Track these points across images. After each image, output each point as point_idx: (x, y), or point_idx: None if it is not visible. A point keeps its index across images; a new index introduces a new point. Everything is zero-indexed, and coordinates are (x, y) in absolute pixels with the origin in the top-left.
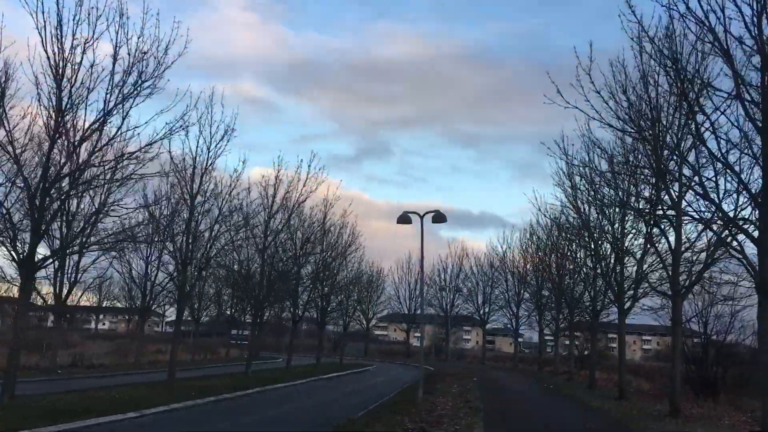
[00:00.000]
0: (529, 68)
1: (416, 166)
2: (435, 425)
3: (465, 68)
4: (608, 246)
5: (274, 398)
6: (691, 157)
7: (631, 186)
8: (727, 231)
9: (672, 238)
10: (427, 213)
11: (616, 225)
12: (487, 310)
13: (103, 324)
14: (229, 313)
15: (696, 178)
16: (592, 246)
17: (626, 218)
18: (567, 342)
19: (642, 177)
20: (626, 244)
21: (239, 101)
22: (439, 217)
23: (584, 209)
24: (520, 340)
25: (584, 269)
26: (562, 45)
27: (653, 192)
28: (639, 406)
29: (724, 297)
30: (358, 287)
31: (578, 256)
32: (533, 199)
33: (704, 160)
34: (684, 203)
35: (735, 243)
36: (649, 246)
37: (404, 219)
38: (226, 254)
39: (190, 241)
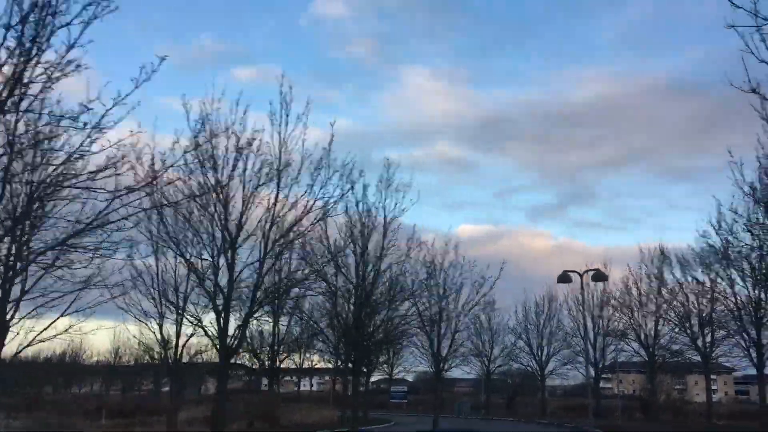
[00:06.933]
0: (735, 90)
1: (627, 206)
2: None
3: (664, 100)
4: None
5: None
6: None
7: None
8: None
9: None
10: (587, 271)
11: None
12: (708, 339)
13: (313, 386)
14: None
15: None
16: None
17: None
18: None
19: None
20: None
21: (437, 163)
22: (598, 276)
23: None
24: None
25: None
26: None
27: None
28: None
29: None
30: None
31: None
32: None
33: None
34: None
35: None
36: None
37: (564, 278)
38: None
39: None
